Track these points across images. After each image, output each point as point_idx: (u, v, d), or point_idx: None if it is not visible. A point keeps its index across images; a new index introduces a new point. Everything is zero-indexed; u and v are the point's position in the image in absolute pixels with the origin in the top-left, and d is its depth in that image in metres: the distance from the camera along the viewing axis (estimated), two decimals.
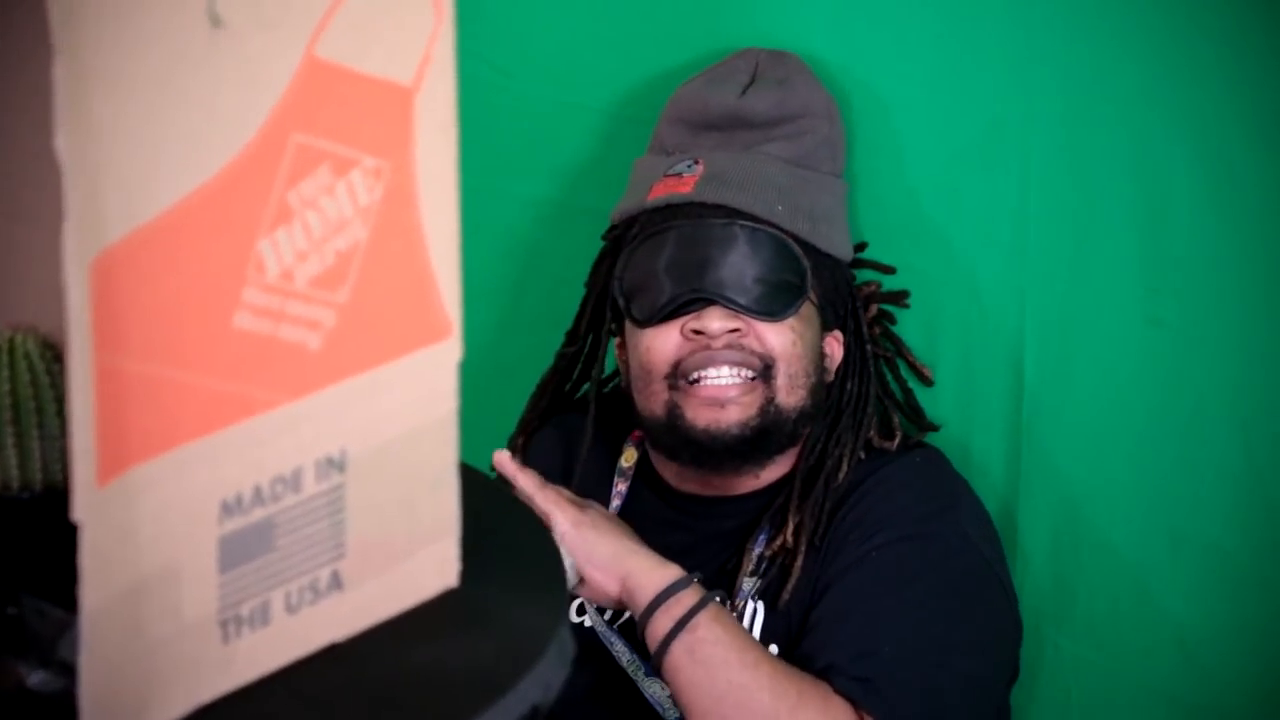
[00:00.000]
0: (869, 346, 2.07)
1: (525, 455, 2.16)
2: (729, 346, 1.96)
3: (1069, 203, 1.98)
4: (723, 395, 1.96)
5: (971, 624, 1.96)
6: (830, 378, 2.06)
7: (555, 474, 2.06)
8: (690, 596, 1.90)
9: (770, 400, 1.97)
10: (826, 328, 2.04)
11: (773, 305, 1.95)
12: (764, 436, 1.99)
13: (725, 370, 1.96)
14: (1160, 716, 2.00)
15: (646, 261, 1.98)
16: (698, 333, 1.97)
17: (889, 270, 2.10)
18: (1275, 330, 1.89)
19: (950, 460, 2.05)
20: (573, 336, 2.18)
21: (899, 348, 2.10)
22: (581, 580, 1.92)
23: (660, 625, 1.90)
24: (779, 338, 1.96)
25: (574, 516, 1.91)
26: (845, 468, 2.00)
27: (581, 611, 2.08)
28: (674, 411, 1.99)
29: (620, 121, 2.21)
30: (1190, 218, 1.90)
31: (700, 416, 1.98)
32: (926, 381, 2.09)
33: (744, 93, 2.00)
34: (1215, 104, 1.86)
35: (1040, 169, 1.98)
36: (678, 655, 1.89)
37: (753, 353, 1.96)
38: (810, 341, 1.99)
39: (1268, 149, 1.85)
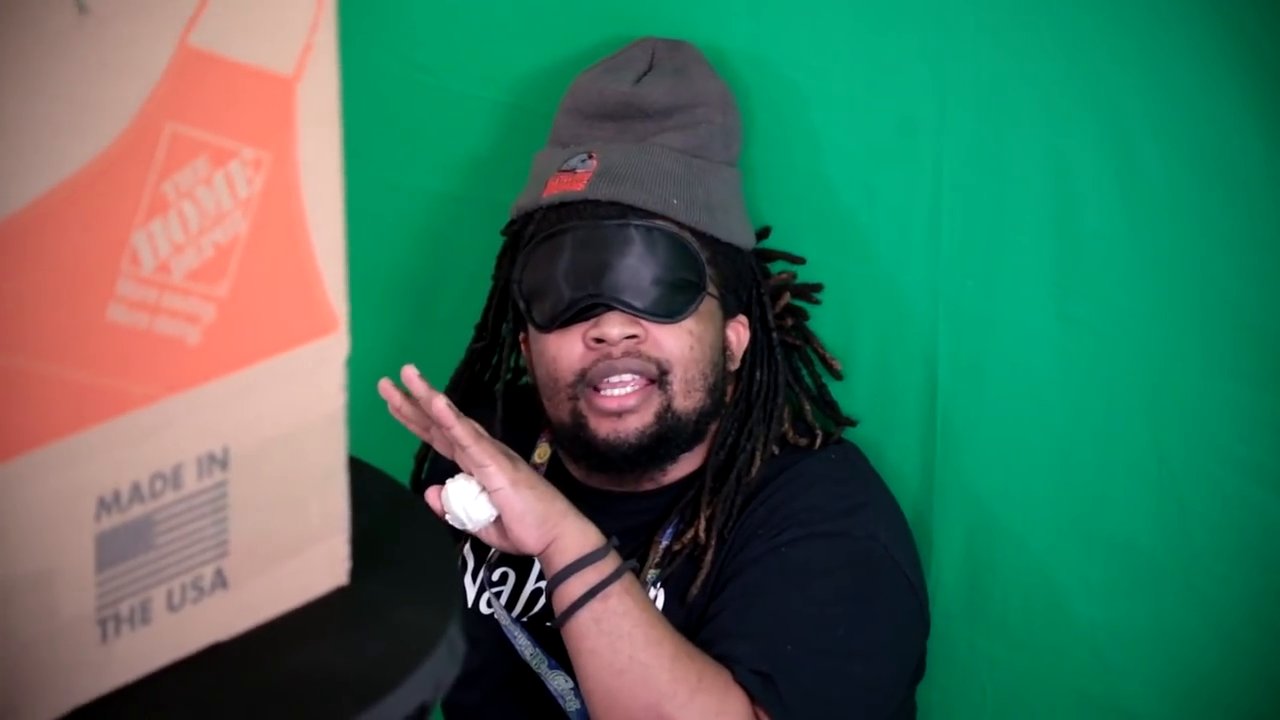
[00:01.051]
0: (775, 335, 2.06)
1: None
2: (628, 354, 1.96)
3: (982, 199, 1.98)
4: (621, 406, 1.97)
5: (874, 627, 1.97)
6: (735, 364, 2.06)
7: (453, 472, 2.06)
8: (607, 565, 1.90)
9: (667, 407, 1.97)
10: (729, 314, 2.03)
11: (670, 306, 1.95)
12: (662, 443, 2.00)
13: (626, 378, 1.96)
14: (1073, 715, 2.00)
15: (543, 265, 1.98)
16: (599, 340, 1.97)
17: (799, 261, 2.10)
18: (1186, 328, 1.89)
19: (865, 457, 2.05)
20: (481, 331, 2.18)
21: (809, 339, 2.09)
22: (497, 528, 1.91)
23: (572, 589, 1.89)
24: (676, 342, 1.96)
25: (511, 475, 1.90)
26: (758, 462, 2.00)
27: (485, 598, 2.08)
28: (579, 420, 2.01)
29: (527, 114, 2.21)
30: (1102, 215, 1.90)
31: (601, 427, 1.99)
32: (836, 375, 2.09)
33: (639, 81, 2.00)
34: (1127, 102, 1.87)
35: (953, 165, 1.98)
36: (584, 622, 1.89)
37: (650, 359, 1.96)
38: (709, 340, 1.99)
39: (1177, 146, 1.86)
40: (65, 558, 1.16)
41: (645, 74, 2.00)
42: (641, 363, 1.96)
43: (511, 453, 1.95)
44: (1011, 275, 1.98)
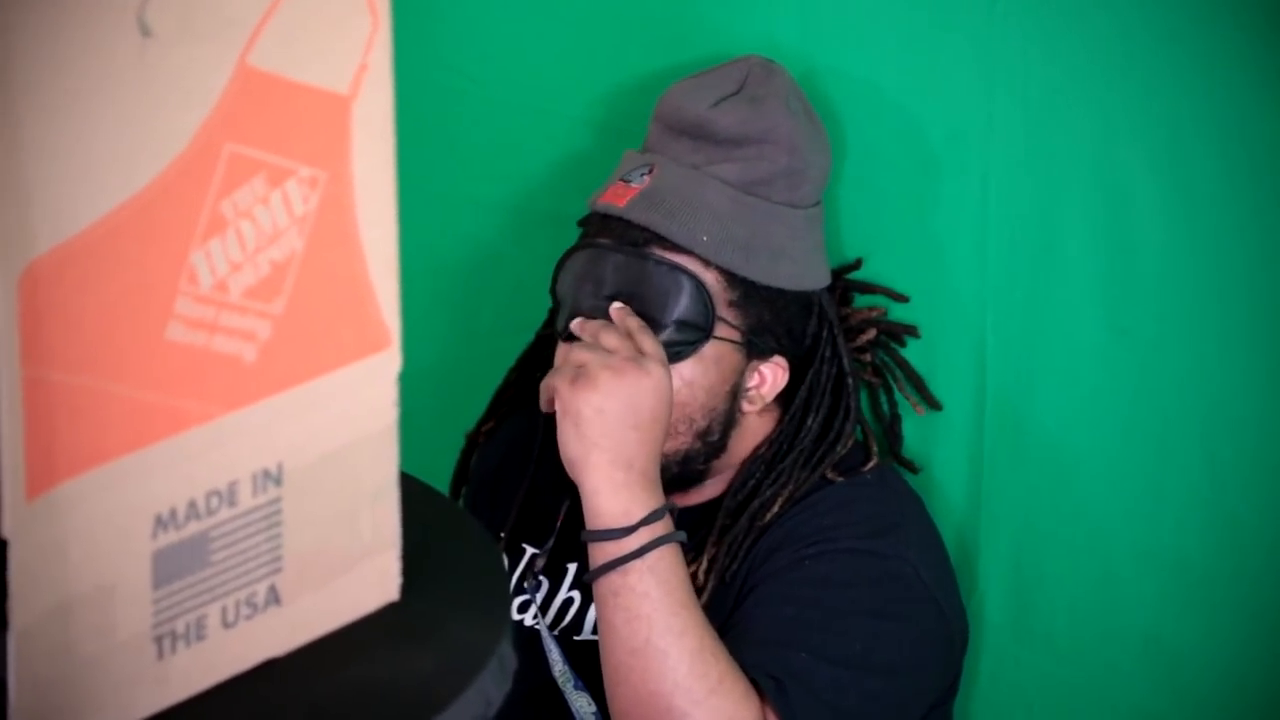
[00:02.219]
0: (849, 379, 2.02)
1: (492, 436, 2.16)
2: None
3: (1031, 211, 1.98)
4: None
5: (894, 644, 1.95)
6: (757, 406, 2.01)
7: (495, 475, 2.07)
8: (632, 541, 1.87)
9: None
10: (759, 355, 1.99)
11: (666, 350, 1.91)
12: None
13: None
14: None
15: (569, 274, 1.97)
16: None
17: (902, 299, 2.07)
18: (1239, 339, 1.89)
19: (906, 476, 2.04)
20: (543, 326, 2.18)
21: (898, 376, 2.06)
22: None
23: (596, 555, 1.88)
24: None
25: (566, 397, 1.86)
26: (776, 508, 1.96)
27: (524, 609, 2.08)
28: None
29: (572, 122, 2.21)
30: (1153, 226, 1.91)
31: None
32: (936, 407, 2.06)
33: (717, 104, 1.96)
34: (1177, 112, 1.87)
35: (1001, 176, 1.98)
36: (603, 592, 1.88)
37: None
38: (707, 385, 1.95)
39: (1228, 156, 1.86)
40: (123, 575, 1.18)
41: (727, 97, 1.96)
42: None
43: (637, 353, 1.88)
44: (1061, 287, 1.98)
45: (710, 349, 1.92)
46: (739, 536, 1.96)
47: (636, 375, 1.84)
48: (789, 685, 1.87)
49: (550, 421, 1.97)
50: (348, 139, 1.22)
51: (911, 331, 2.05)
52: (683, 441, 1.95)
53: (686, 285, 1.90)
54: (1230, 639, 1.95)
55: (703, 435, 1.95)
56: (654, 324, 1.91)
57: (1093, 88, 1.93)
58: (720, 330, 1.92)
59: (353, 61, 1.21)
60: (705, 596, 1.96)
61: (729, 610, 1.97)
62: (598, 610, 1.88)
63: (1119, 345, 1.95)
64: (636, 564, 1.85)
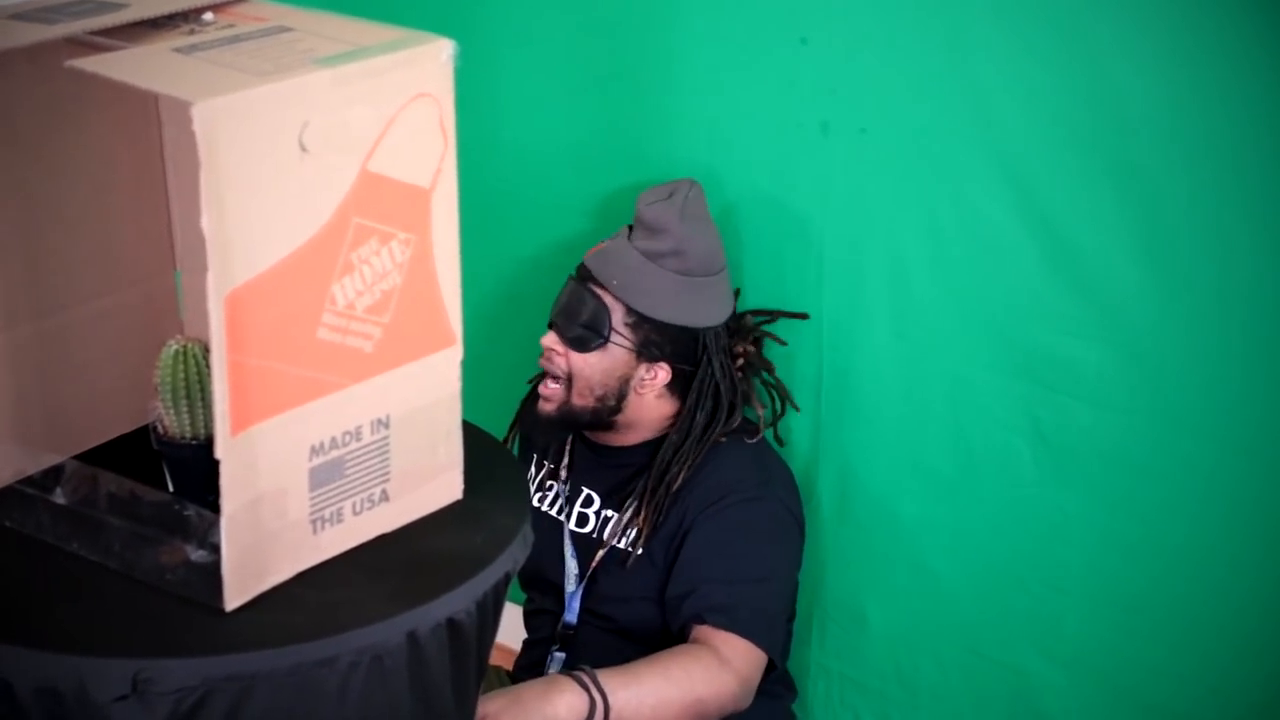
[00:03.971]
0: (722, 385, 1.93)
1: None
2: (552, 361, 1.90)
3: (846, 266, 1.92)
4: (544, 394, 1.92)
5: (786, 559, 1.92)
6: (649, 390, 1.92)
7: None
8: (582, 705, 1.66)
9: (565, 401, 1.90)
10: (646, 359, 1.90)
11: (579, 342, 1.88)
12: (565, 423, 1.92)
13: (549, 380, 1.91)
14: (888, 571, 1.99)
15: (560, 292, 1.95)
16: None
17: (801, 316, 1.98)
18: (976, 335, 1.84)
19: (770, 444, 1.98)
20: None
21: (775, 378, 1.98)
22: None
23: None
24: (578, 362, 1.88)
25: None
26: (681, 477, 1.90)
27: (552, 505, 2.02)
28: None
29: (584, 215, 2.16)
30: (919, 280, 1.85)
31: (539, 405, 1.94)
32: (796, 409, 1.99)
33: (651, 204, 1.92)
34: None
35: (831, 243, 1.90)
36: None
37: (561, 369, 1.89)
38: (605, 368, 1.89)
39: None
40: (291, 482, 1.19)
41: (659, 200, 1.90)
42: (555, 369, 1.90)
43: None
44: (863, 312, 1.91)
45: (608, 348, 1.89)
46: (661, 498, 1.91)
47: None
48: (738, 609, 1.81)
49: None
50: (428, 215, 1.23)
51: (781, 341, 2.01)
52: (589, 401, 1.91)
53: (599, 308, 1.88)
54: (967, 517, 1.92)
55: (601, 399, 1.91)
56: (574, 324, 1.89)
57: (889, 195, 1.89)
58: (615, 338, 1.89)
59: (432, 167, 1.22)
60: (643, 540, 1.90)
61: (669, 541, 1.90)
62: None
63: (899, 346, 1.92)
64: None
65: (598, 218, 2.12)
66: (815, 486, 2.03)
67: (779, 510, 1.92)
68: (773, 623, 1.86)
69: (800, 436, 2.03)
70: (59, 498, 1.22)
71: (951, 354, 1.87)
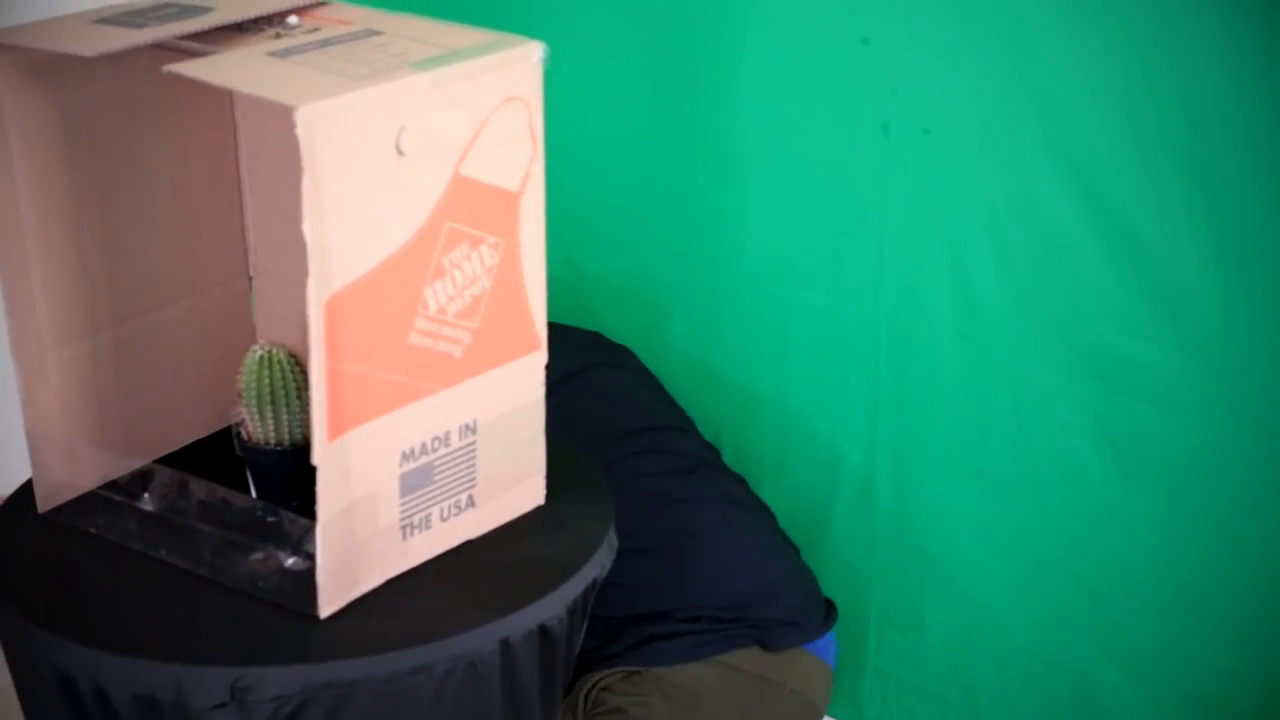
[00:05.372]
0: None
1: None
2: None
3: (910, 262, 1.92)
4: None
5: None
6: None
7: None
8: None
9: None
10: None
11: None
12: None
13: None
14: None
15: None
16: None
17: None
18: (1046, 340, 1.83)
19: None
20: None
21: None
22: None
23: None
24: None
25: None
26: None
27: None
28: None
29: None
30: (984, 274, 1.85)
31: None
32: None
33: None
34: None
35: (891, 241, 1.92)
36: None
37: None
38: None
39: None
40: (383, 487, 1.19)
41: None
42: None
43: None
44: (925, 310, 1.90)
45: None
46: None
47: None
48: None
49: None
50: (517, 219, 1.23)
51: None
52: None
53: None
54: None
55: None
56: None
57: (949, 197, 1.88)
58: None
59: (521, 171, 1.22)
60: None
61: None
62: None
63: (960, 347, 1.91)
64: None
65: (656, 219, 2.11)
66: (873, 488, 2.00)
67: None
68: None
69: (857, 437, 2.00)
70: (147, 504, 1.23)
71: (1015, 355, 1.85)
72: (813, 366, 2.01)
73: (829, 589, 2.03)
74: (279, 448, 1.25)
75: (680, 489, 1.77)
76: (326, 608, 1.15)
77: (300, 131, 1.03)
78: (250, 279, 1.42)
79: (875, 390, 1.97)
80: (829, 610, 1.94)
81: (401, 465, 1.19)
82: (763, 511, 1.94)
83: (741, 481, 1.97)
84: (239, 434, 1.27)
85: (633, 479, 1.66)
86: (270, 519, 1.17)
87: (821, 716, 1.89)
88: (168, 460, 1.33)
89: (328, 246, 1.07)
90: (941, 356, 1.90)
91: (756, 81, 1.98)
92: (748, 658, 1.69)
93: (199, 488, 1.21)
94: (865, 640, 2.07)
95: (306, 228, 1.05)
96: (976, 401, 1.89)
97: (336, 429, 1.12)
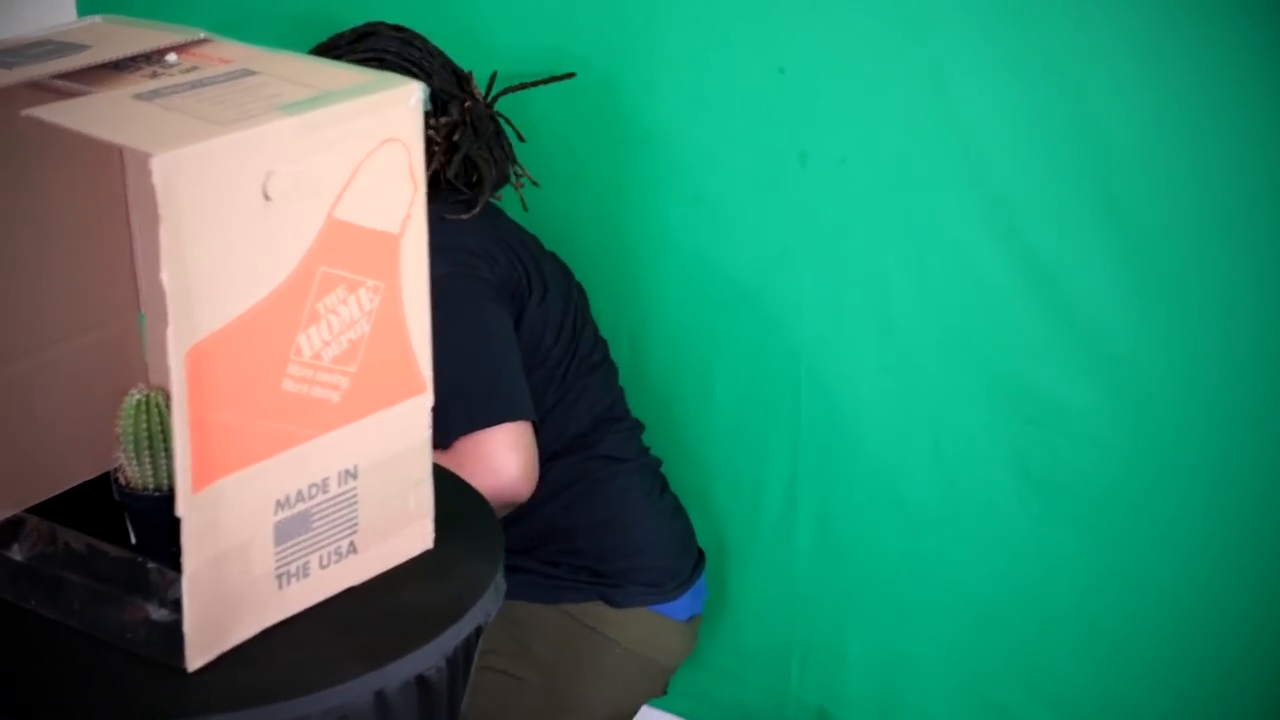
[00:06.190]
0: None
1: None
2: None
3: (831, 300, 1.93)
4: None
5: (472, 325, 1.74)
6: None
7: None
8: None
9: None
10: None
11: None
12: None
13: None
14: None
15: None
16: None
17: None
18: (959, 365, 1.84)
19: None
20: None
21: None
22: None
23: None
24: None
25: None
26: None
27: None
28: None
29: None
30: (901, 307, 1.86)
31: None
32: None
33: None
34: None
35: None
36: None
37: None
38: None
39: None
40: (256, 536, 1.17)
41: None
42: None
43: None
44: (848, 344, 1.92)
45: None
46: None
47: None
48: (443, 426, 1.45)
49: None
50: (397, 261, 1.21)
51: None
52: None
53: None
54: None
55: None
56: None
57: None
58: None
59: (401, 212, 1.20)
60: None
61: None
62: None
63: (881, 379, 1.91)
64: None
65: (578, 250, 2.10)
66: (795, 520, 2.01)
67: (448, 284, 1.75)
68: (478, 400, 1.68)
69: (779, 469, 2.01)
70: (16, 554, 1.20)
71: (935, 387, 1.86)
72: (735, 398, 2.01)
73: (752, 619, 2.02)
74: (157, 493, 1.23)
75: (592, 432, 1.85)
76: (195, 660, 1.13)
77: (156, 179, 1.01)
78: (141, 317, 1.41)
79: (797, 422, 1.97)
80: (695, 566, 1.92)
81: (276, 513, 1.17)
82: (651, 472, 1.93)
83: (637, 432, 1.95)
84: (117, 479, 1.25)
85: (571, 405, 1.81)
86: (140, 569, 1.15)
87: (671, 670, 1.88)
88: (52, 504, 1.31)
89: (189, 295, 1.05)
90: (863, 388, 1.91)
91: (675, 109, 1.97)
92: (591, 610, 1.79)
93: (69, 537, 1.19)
94: (789, 671, 2.07)
95: (164, 277, 1.03)
96: (898, 433, 1.90)
97: (203, 479, 1.10)
